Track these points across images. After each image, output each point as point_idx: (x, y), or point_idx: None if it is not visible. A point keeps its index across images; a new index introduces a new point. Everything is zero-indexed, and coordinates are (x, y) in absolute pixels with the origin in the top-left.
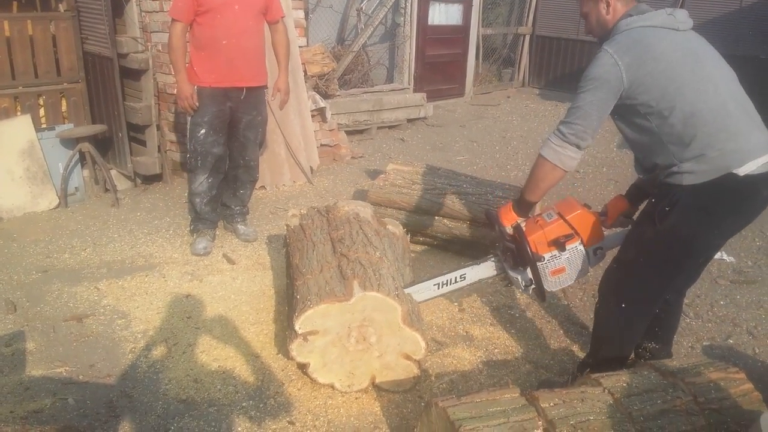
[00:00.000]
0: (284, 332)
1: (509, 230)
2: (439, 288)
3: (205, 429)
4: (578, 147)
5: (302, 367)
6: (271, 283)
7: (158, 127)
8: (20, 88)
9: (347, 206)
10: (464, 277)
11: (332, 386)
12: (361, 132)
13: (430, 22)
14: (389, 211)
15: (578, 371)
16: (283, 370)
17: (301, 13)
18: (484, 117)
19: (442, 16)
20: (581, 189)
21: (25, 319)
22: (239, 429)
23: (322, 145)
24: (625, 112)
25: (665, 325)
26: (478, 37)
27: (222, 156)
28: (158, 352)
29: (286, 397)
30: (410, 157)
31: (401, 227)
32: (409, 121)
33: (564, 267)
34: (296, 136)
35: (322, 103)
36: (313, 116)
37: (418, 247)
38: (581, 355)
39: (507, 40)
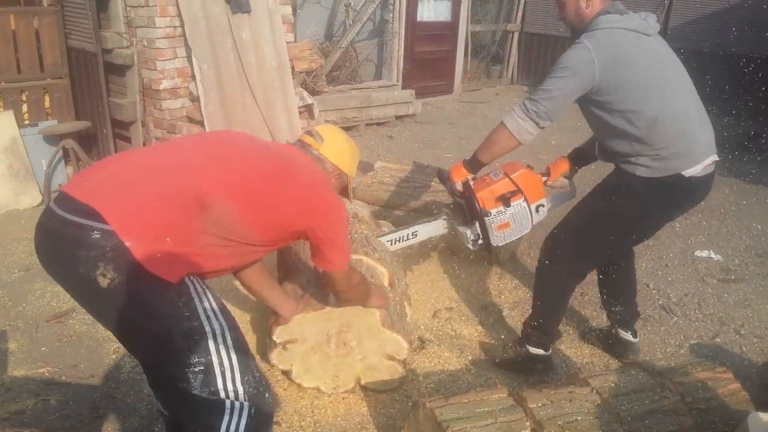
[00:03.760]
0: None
1: (459, 186)
2: (392, 244)
3: None
4: (537, 125)
5: (285, 374)
6: None
7: (143, 124)
8: (2, 83)
9: (345, 205)
10: (416, 234)
11: (318, 389)
12: (349, 129)
13: (418, 19)
14: (376, 209)
15: (523, 330)
16: (269, 371)
17: (288, 9)
18: (473, 114)
19: (430, 12)
20: None
21: (7, 318)
22: None
23: None
24: (592, 104)
25: (623, 287)
26: (466, 34)
27: None
28: None
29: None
30: (399, 154)
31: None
32: (398, 118)
33: (509, 222)
34: (283, 132)
35: (309, 100)
36: (300, 113)
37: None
38: (570, 354)
39: (496, 36)
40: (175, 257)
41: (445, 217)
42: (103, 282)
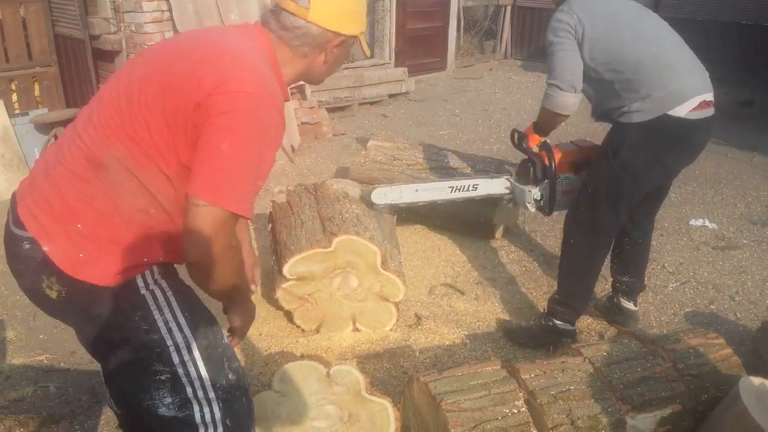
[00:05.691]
0: (267, 312)
1: (535, 148)
2: (452, 192)
3: None
4: (575, 90)
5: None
6: None
7: None
8: None
9: (336, 184)
10: (476, 188)
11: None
12: (342, 109)
13: None
14: (370, 188)
15: (549, 305)
16: (266, 351)
17: None
18: (467, 90)
19: None
20: None
21: (5, 308)
22: None
23: (302, 123)
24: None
25: (635, 259)
26: (458, 9)
27: None
28: None
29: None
30: (393, 132)
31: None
32: (391, 96)
33: (573, 189)
34: None
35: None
36: (292, 93)
37: (401, 223)
38: None
39: (488, 11)
40: (96, 249)
41: (507, 177)
42: (52, 294)
